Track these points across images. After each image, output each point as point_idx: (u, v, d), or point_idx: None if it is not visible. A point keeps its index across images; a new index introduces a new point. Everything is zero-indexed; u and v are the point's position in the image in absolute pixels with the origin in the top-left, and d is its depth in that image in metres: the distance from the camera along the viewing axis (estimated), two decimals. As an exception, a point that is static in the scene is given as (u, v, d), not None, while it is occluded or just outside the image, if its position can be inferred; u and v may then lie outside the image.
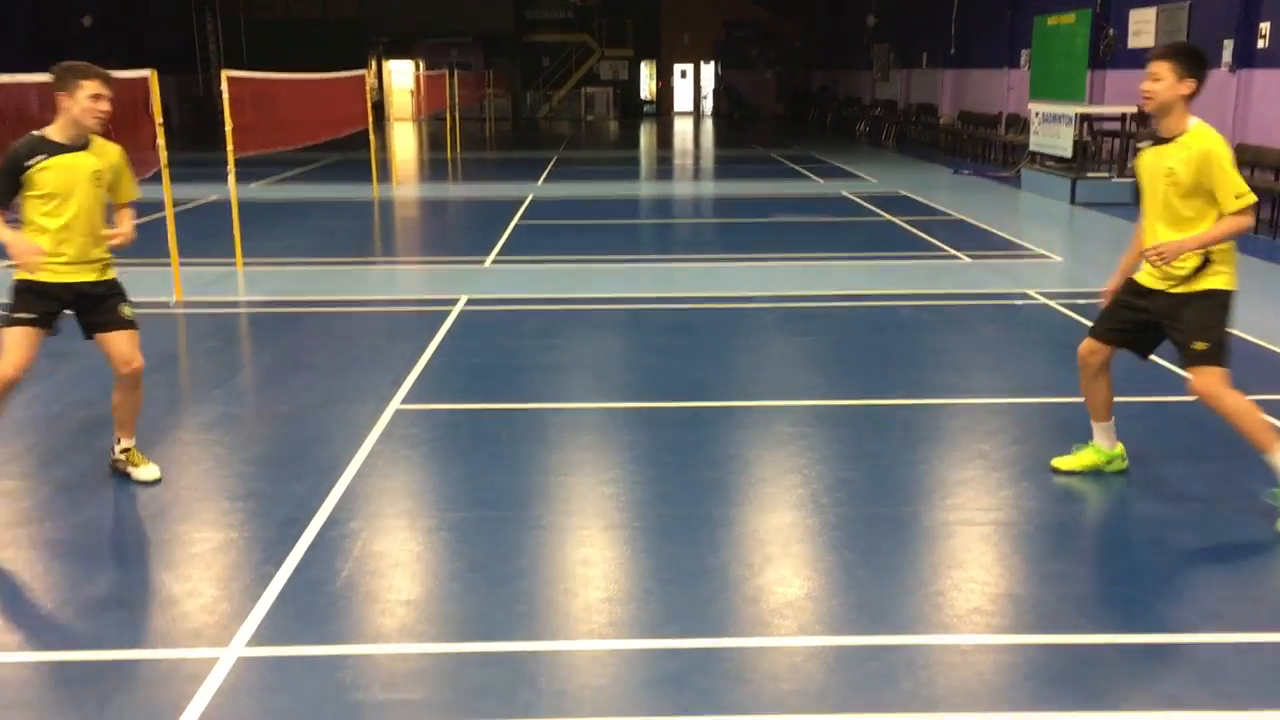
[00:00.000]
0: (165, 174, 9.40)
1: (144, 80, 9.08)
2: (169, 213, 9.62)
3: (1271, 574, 4.44)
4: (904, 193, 17.16)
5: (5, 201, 4.95)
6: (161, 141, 9.17)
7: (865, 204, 15.99)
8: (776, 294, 9.70)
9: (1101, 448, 5.42)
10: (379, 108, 35.52)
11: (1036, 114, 18.05)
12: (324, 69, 16.13)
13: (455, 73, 28.00)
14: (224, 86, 10.68)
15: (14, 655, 3.80)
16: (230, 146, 10.67)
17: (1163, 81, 4.69)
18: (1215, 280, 4.76)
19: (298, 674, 3.67)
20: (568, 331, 8.45)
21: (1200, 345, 4.73)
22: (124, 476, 5.39)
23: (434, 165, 23.92)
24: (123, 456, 5.43)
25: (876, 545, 4.65)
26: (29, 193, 4.94)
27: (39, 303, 5.04)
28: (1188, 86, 4.68)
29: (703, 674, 3.66)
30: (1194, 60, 4.72)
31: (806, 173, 20.91)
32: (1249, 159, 13.99)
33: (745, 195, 17.82)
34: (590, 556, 4.58)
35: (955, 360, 7.66)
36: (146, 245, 11.71)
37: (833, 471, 5.54)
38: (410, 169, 22.68)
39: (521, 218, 14.76)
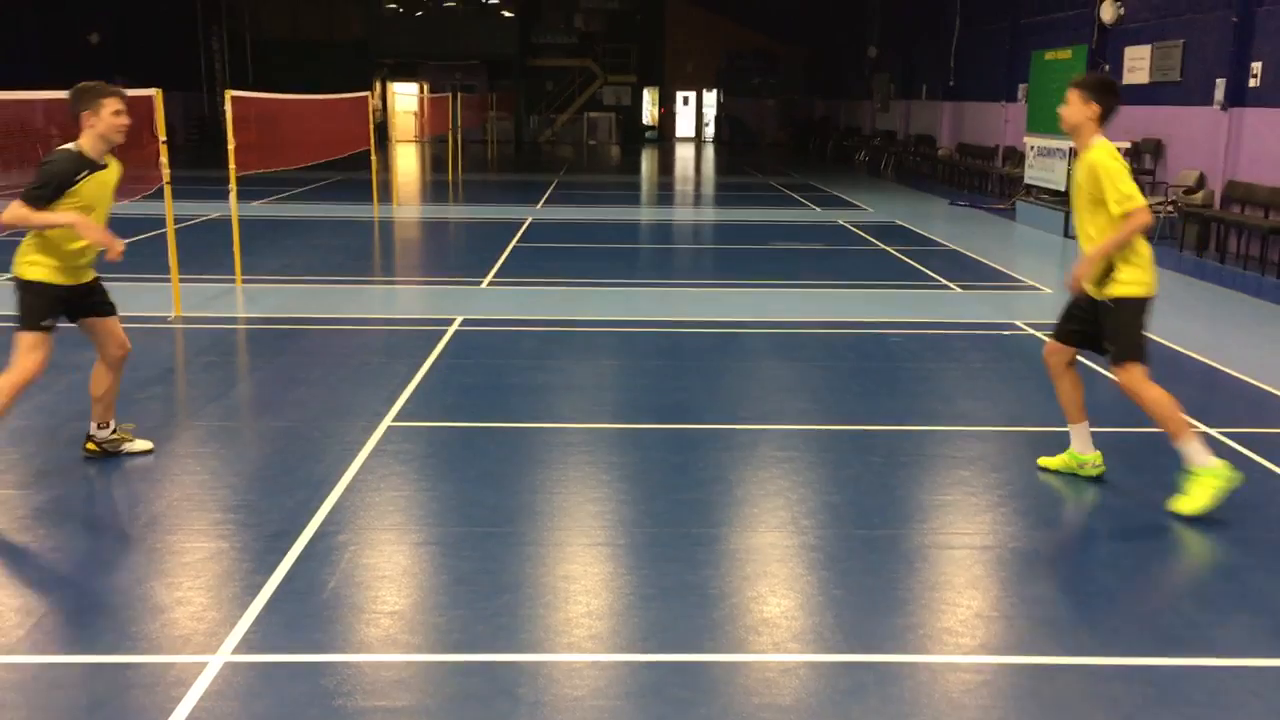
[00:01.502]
0: (167, 191, 9.55)
1: (149, 99, 9.23)
2: (170, 229, 9.75)
3: (1234, 599, 4.53)
4: (900, 223, 17.33)
5: (46, 206, 5.26)
6: (164, 159, 9.32)
7: (861, 233, 16.15)
8: (769, 319, 9.83)
9: (1075, 452, 5.77)
10: (382, 128, 35.80)
11: (1031, 147, 18.24)
12: (330, 90, 16.35)
13: (459, 95, 28.22)
14: (228, 106, 10.84)
15: (6, 658, 3.90)
16: (232, 165, 10.82)
17: (1072, 106, 5.39)
18: (1129, 289, 5.32)
19: (283, 680, 3.76)
20: (561, 353, 8.57)
21: (1117, 347, 5.36)
22: (115, 456, 5.76)
23: (435, 186, 24.11)
24: (115, 437, 5.82)
25: (853, 566, 4.75)
26: (69, 202, 5.32)
27: (57, 306, 5.50)
28: (1093, 110, 5.34)
29: (679, 687, 3.76)
30: (1099, 88, 5.38)
31: (805, 201, 21.09)
32: (1240, 195, 14.17)
33: (743, 221, 17.98)
34: (574, 572, 4.68)
35: (940, 388, 7.77)
36: (147, 261, 11.91)
37: (815, 494, 5.64)
38: (412, 189, 22.87)
39: (520, 240, 14.91)
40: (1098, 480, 5.78)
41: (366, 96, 18.56)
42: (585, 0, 43.38)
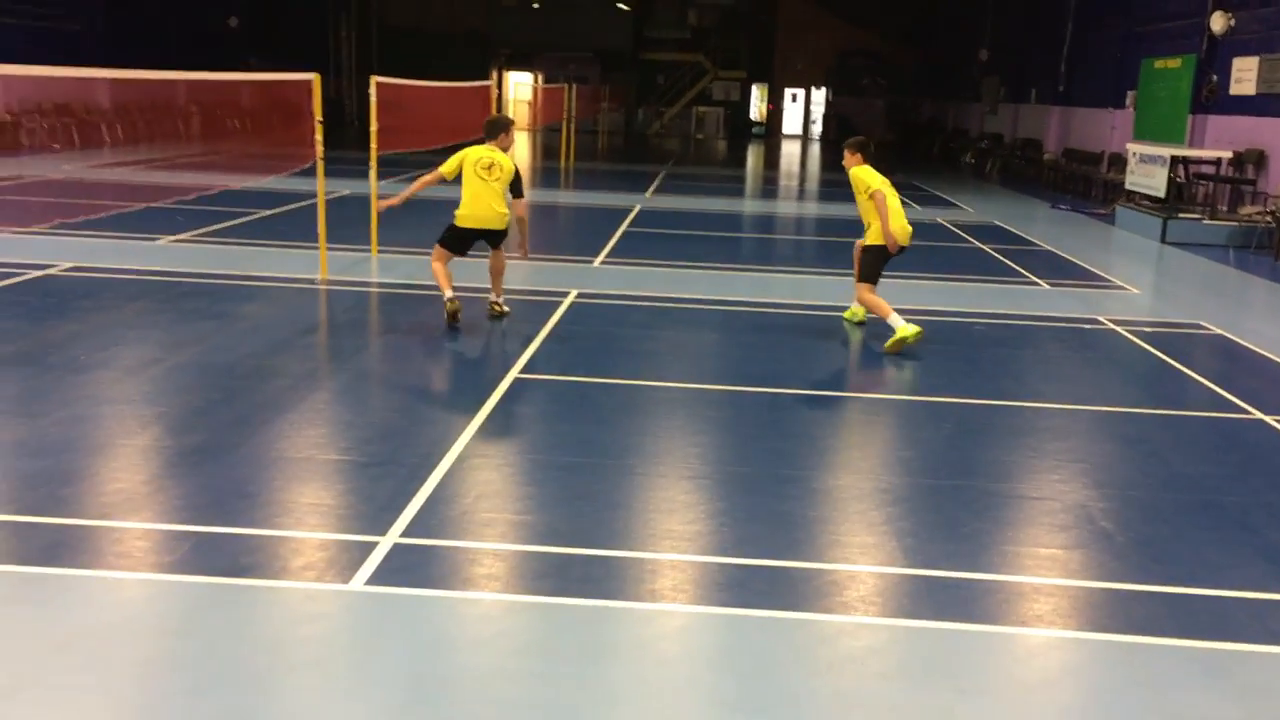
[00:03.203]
0: (320, 167, 10.62)
1: (308, 82, 10.28)
2: (320, 201, 10.82)
3: (1247, 547, 5.14)
4: (999, 223, 17.77)
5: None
6: (319, 138, 10.37)
7: (959, 231, 16.66)
8: (860, 305, 10.52)
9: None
10: (498, 116, 36.95)
11: (1134, 154, 18.50)
12: (449, 77, 17.34)
13: (574, 86, 29.22)
14: (372, 90, 11.87)
15: (215, 528, 4.86)
16: (374, 145, 11.86)
17: (845, 160, 9.27)
18: (874, 240, 8.91)
19: (440, 558, 4.66)
20: (666, 324, 9.40)
21: (858, 272, 9.09)
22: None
23: (549, 173, 25.13)
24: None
25: (917, 505, 5.49)
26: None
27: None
28: (858, 160, 9.09)
29: (762, 582, 4.55)
30: (860, 146, 9.24)
31: (906, 200, 21.49)
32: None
33: (844, 216, 18.59)
34: (675, 495, 5.50)
35: (1016, 371, 8.41)
36: (296, 229, 13.07)
37: (890, 450, 6.38)
38: (527, 175, 23.91)
39: (630, 225, 15.79)
40: (1155, 456, 6.40)
41: (489, 85, 19.60)
42: (699, -4, 44.14)
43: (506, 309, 9.30)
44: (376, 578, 4.43)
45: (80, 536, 4.72)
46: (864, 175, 8.94)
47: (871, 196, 8.81)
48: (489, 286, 9.32)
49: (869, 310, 9.17)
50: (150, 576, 4.41)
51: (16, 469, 5.43)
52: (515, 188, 8.87)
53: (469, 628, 4.16)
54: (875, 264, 9.02)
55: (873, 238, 8.97)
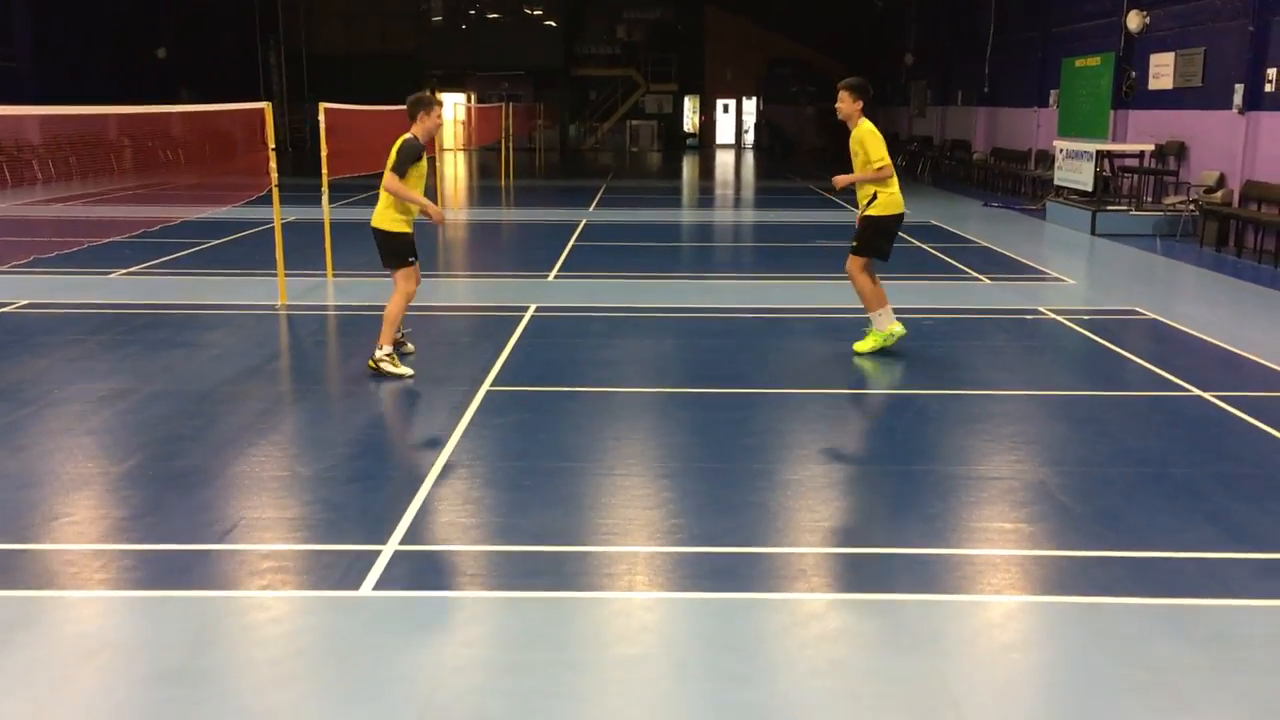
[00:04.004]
0: (275, 194, 10.72)
1: (260, 111, 10.40)
2: (278, 228, 10.91)
3: (1196, 513, 5.50)
4: (935, 222, 18.27)
5: (405, 176, 7.72)
6: (273, 165, 10.49)
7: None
8: (811, 306, 10.86)
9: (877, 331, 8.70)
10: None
11: (1060, 150, 19.13)
12: (381, 101, 17.47)
13: (509, 104, 29.41)
14: (321, 117, 11.98)
15: (219, 546, 5.00)
16: (325, 170, 11.98)
17: (844, 103, 8.46)
18: (876, 211, 8.47)
19: (440, 562, 4.84)
20: (627, 333, 9.65)
21: (855, 243, 8.64)
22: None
23: (490, 191, 25.29)
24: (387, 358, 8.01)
25: (886, 489, 5.78)
26: (414, 171, 7.80)
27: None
28: (858, 108, 8.37)
29: (746, 567, 4.80)
30: (861, 89, 8.38)
31: (842, 203, 22.03)
32: (1257, 194, 15.02)
33: (784, 222, 19.01)
34: (655, 492, 5.73)
35: (966, 361, 8.76)
36: (246, 257, 13.12)
37: (855, 441, 6.69)
38: (468, 195, 24.05)
39: (578, 239, 16.02)
40: (1104, 434, 6.77)
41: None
42: (627, 11, 44.56)
43: (383, 362, 7.98)
44: (384, 583, 4.61)
45: (88, 560, 4.84)
46: (873, 142, 8.27)
47: (880, 170, 8.26)
48: (436, 304, 9.47)
49: (858, 291, 8.66)
50: (165, 594, 4.54)
51: (12, 501, 5.52)
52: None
53: (476, 623, 4.36)
54: (876, 238, 8.54)
55: (881, 206, 8.41)
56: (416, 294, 8.26)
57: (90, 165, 27.78)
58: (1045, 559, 4.97)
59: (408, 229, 8.00)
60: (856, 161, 8.43)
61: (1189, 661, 4.04)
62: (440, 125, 8.05)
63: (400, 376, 7.84)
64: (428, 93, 8.06)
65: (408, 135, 7.88)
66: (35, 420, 6.86)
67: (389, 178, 7.75)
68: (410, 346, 8.60)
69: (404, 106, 7.99)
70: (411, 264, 8.08)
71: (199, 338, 9.20)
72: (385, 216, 7.94)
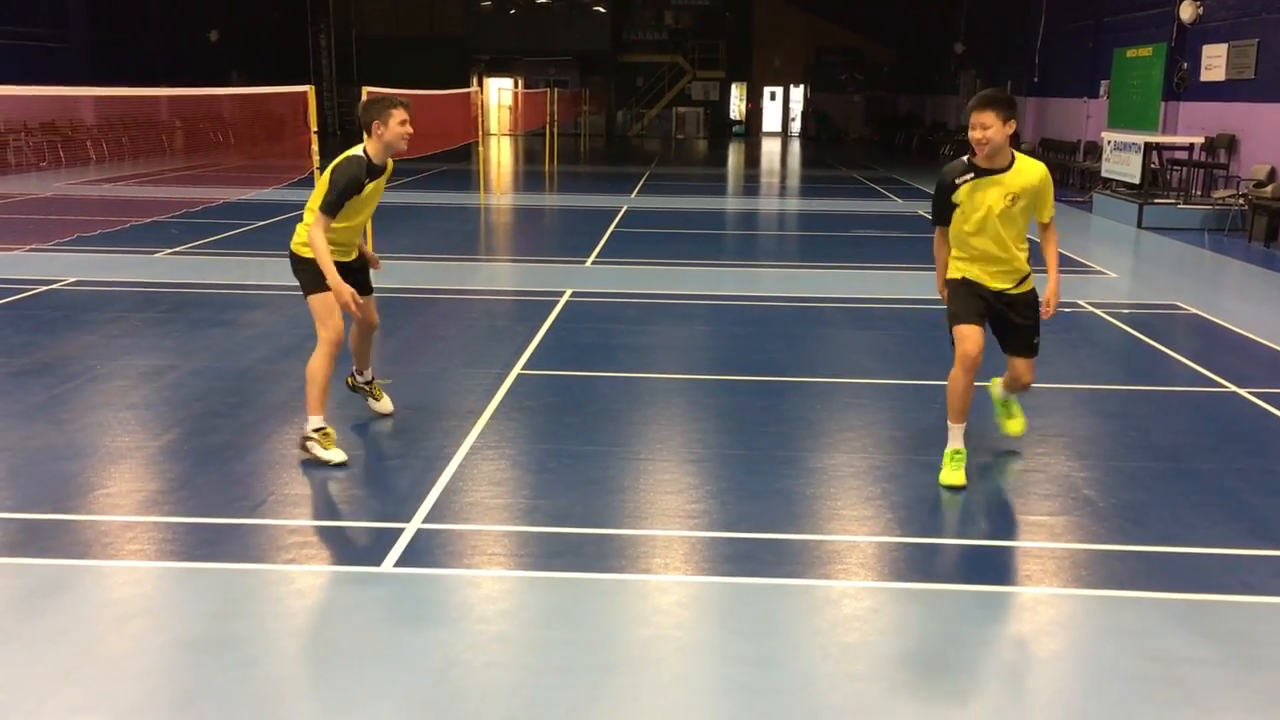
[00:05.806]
0: (316, 176, 10.85)
1: (303, 94, 10.53)
2: (318, 209, 11.05)
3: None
4: (978, 213, 18.09)
5: (336, 213, 5.68)
6: (315, 148, 10.62)
7: (939, 222, 16.96)
8: (847, 295, 10.84)
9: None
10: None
11: (1109, 142, 18.89)
12: (428, 85, 17.61)
13: (555, 90, 29.50)
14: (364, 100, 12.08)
15: (249, 520, 5.12)
16: (367, 153, 12.08)
17: (992, 127, 5.40)
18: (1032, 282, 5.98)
19: (461, 540, 4.93)
20: (661, 319, 9.69)
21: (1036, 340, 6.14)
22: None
23: (534, 177, 25.40)
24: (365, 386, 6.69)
25: (910, 480, 5.79)
26: (349, 205, 5.71)
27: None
28: (1011, 127, 5.42)
29: (767, 553, 4.84)
30: (1010, 106, 5.45)
31: (886, 193, 21.93)
32: (1308, 188, 14.74)
33: (826, 211, 18.93)
34: (680, 477, 5.78)
35: (999, 353, 8.69)
36: (282, 239, 13.28)
37: (881, 430, 6.68)
38: (512, 180, 24.19)
39: (618, 225, 16.07)
40: (1134, 429, 6.72)
41: (474, 92, 19.89)
42: (676, -3, 44.52)
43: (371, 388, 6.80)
44: (405, 560, 4.71)
45: (123, 531, 4.98)
46: (1048, 190, 5.71)
47: (1046, 227, 5.90)
48: (472, 287, 9.54)
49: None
50: (195, 566, 4.67)
51: (54, 472, 5.68)
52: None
53: (494, 601, 4.43)
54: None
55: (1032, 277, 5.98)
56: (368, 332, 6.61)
57: (142, 146, 28.24)
58: (1065, 551, 4.97)
59: (341, 258, 5.95)
60: (1014, 222, 5.70)
61: (1205, 656, 4.03)
62: (406, 135, 5.75)
63: (327, 463, 5.79)
64: (387, 93, 6.23)
65: (352, 152, 5.76)
66: (78, 395, 7.04)
67: (312, 221, 5.70)
68: (379, 391, 6.79)
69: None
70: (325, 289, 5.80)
71: (239, 317, 9.37)
72: (305, 241, 5.86)
